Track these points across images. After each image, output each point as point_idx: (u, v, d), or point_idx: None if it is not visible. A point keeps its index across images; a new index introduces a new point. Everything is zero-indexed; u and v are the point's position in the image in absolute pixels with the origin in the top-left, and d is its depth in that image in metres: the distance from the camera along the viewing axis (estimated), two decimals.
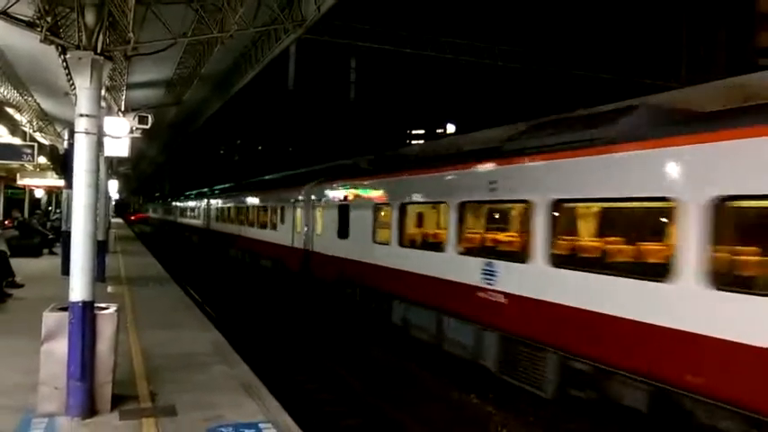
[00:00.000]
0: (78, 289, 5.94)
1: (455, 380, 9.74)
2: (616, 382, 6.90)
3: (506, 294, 8.55)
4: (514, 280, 8.42)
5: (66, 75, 10.46)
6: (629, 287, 6.69)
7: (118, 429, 5.80)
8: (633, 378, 6.62)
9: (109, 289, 14.45)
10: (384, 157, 14.92)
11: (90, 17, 5.98)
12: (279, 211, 20.09)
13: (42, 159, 21.62)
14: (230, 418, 6.11)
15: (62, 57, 7.98)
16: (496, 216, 9.87)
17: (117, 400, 6.31)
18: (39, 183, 30.17)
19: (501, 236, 9.56)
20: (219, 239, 30.15)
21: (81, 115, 6.00)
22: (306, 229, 17.03)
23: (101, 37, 6.01)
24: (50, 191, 35.65)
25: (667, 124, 6.82)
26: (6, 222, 25.10)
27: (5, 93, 15.20)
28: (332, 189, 15.56)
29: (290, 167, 26.17)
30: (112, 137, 12.22)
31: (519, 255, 8.48)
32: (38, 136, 21.24)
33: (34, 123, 19.87)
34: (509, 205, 9.29)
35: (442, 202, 10.64)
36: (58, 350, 5.97)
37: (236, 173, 58.36)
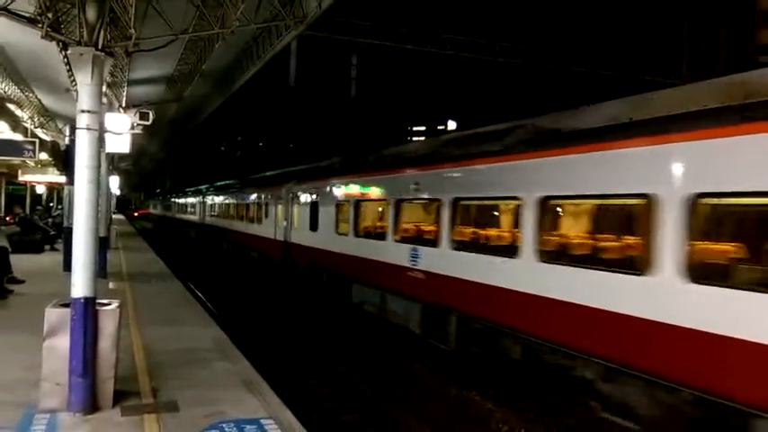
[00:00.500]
0: (80, 285, 5.95)
1: (455, 377, 9.76)
2: (498, 336, 8.98)
3: (424, 272, 10.71)
4: (430, 260, 10.62)
5: (68, 71, 10.46)
6: (497, 262, 8.88)
7: (120, 425, 5.82)
8: (512, 333, 8.65)
9: (110, 285, 14.47)
10: (347, 161, 16.86)
11: (91, 13, 5.98)
12: (264, 207, 21.97)
13: (44, 155, 21.62)
14: (232, 414, 6.12)
15: (63, 53, 7.97)
16: (419, 211, 12.01)
17: (119, 396, 6.33)
18: (40, 179, 30.20)
19: (422, 226, 11.75)
20: (213, 234, 31.85)
21: (82, 111, 6.00)
22: (285, 223, 18.84)
23: (102, 33, 6.01)
24: (52, 187, 35.67)
25: (526, 142, 8.75)
26: (8, 218, 25.09)
27: (6, 89, 15.22)
28: (305, 188, 17.48)
29: (291, 164, 26.65)
30: (113, 133, 12.22)
31: (433, 241, 10.66)
32: (39, 132, 21.26)
33: (35, 119, 19.89)
34: (427, 202, 11.36)
35: (384, 200, 12.65)
36: (60, 346, 5.98)
37: (237, 169, 58.36)
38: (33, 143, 17.18)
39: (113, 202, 43.75)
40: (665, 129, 6.49)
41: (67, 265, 6.33)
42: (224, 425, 5.86)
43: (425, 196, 11.17)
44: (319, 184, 16.33)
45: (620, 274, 6.83)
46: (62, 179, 22.28)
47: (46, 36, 6.17)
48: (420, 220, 11.95)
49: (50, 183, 31.65)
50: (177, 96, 17.51)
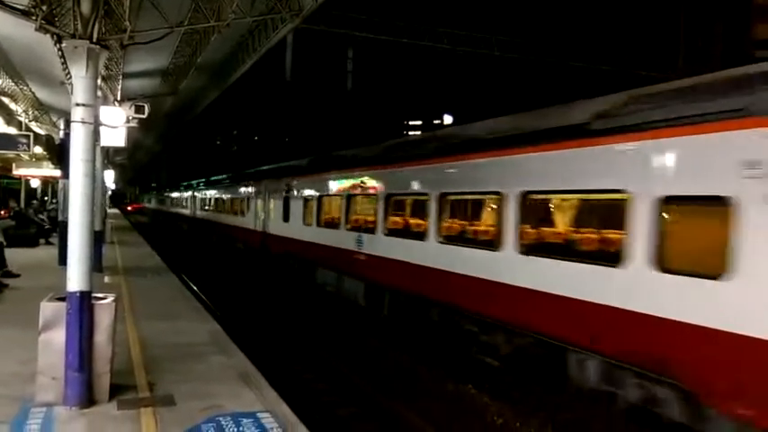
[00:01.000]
0: (76, 279, 5.93)
1: (451, 372, 9.79)
2: (418, 304, 11.25)
3: (366, 254, 12.92)
4: (370, 245, 12.83)
5: (62, 64, 10.41)
6: (414, 244, 11.24)
7: (116, 419, 5.81)
8: (430, 301, 10.82)
9: (106, 279, 14.44)
10: (311, 161, 18.86)
11: (85, 6, 5.93)
12: (246, 201, 24.24)
13: (38, 149, 21.49)
14: (228, 408, 6.13)
15: (57, 46, 7.93)
16: (363, 204, 14.05)
17: (115, 390, 6.33)
18: (35, 173, 30.05)
19: (365, 217, 13.75)
20: (203, 226, 34.12)
21: (77, 104, 5.97)
22: (263, 215, 21.16)
23: (96, 26, 5.97)
24: (46, 181, 35.53)
25: (434, 151, 11.12)
26: (2, 212, 25.01)
27: (0, 82, 15.10)
28: (279, 184, 19.79)
29: (285, 158, 27.15)
30: (109, 126, 12.15)
31: (372, 229, 12.86)
32: (33, 126, 21.15)
33: (30, 113, 19.77)
34: (369, 197, 13.45)
35: (339, 195, 14.83)
36: (55, 340, 5.97)
37: (232, 163, 58.25)
38: (28, 137, 17.06)
39: (108, 196, 43.67)
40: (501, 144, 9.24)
41: (63, 259, 6.32)
42: (220, 418, 5.86)
43: (367, 192, 13.48)
44: (289, 182, 18.76)
45: (482, 250, 9.45)
46: (57, 173, 22.22)
47: (40, 29, 6.12)
48: (364, 212, 13.95)
49: (45, 176, 31.51)
50: (172, 90, 17.43)
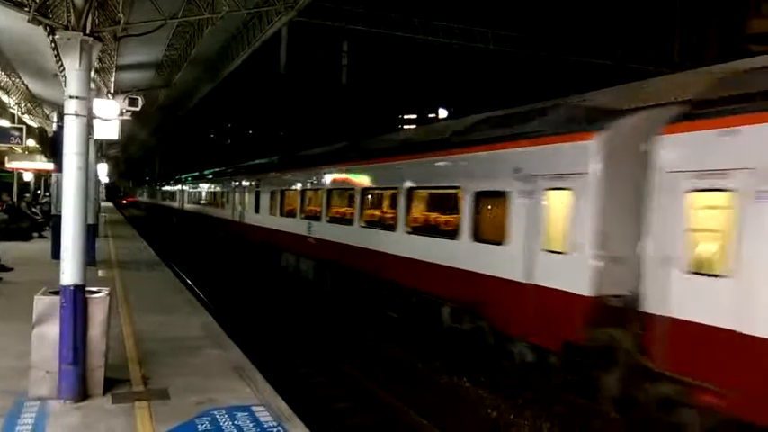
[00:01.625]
0: (69, 273, 5.91)
1: (446, 365, 9.83)
2: (350, 275, 13.99)
3: (315, 239, 16.02)
4: (317, 230, 15.96)
5: (55, 56, 10.29)
6: (346, 229, 14.18)
7: (110, 413, 5.80)
8: (357, 272, 13.54)
9: (100, 273, 14.40)
10: (279, 159, 22.48)
11: None
12: (225, 195, 27.58)
13: (31, 142, 21.36)
14: (223, 402, 6.13)
15: (51, 38, 7.83)
16: (312, 196, 17.09)
17: (109, 384, 6.32)
18: (27, 166, 29.80)
19: (313, 207, 16.81)
20: (190, 218, 37.00)
21: (70, 97, 5.93)
22: (240, 207, 24.13)
23: (90, 17, 5.92)
24: (39, 174, 35.30)
25: (356, 155, 14.92)
26: None
27: None
28: (252, 179, 23.03)
29: (277, 152, 28.59)
30: (102, 119, 12.08)
31: (318, 217, 16.00)
32: (26, 118, 20.98)
33: (22, 106, 19.61)
34: (316, 191, 16.69)
35: (295, 189, 18.07)
36: (49, 334, 5.95)
37: (226, 157, 58.08)
38: (20, 129, 16.97)
39: (102, 189, 43.55)
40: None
41: (56, 253, 6.30)
42: (215, 412, 5.86)
43: (315, 187, 16.65)
44: (259, 177, 22.13)
45: (388, 232, 12.24)
46: (50, 166, 22.05)
47: (33, 20, 6.07)
48: (313, 203, 16.96)
49: (38, 170, 31.29)
50: (166, 83, 17.32)
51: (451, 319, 10.21)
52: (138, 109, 11.51)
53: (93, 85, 10.89)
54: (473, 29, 29.36)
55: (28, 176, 36.50)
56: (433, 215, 11.55)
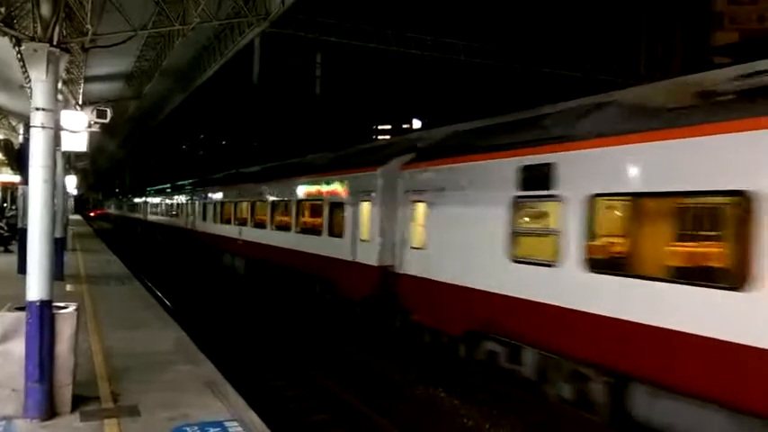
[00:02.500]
0: (35, 288, 5.78)
1: (422, 375, 9.83)
2: (267, 268, 18.28)
3: (243, 240, 20.16)
4: (246, 234, 19.93)
5: (21, 67, 10.14)
6: (265, 232, 18.36)
7: (78, 431, 5.68)
8: (275, 265, 17.60)
9: (68, 287, 14.09)
10: (225, 176, 26.80)
11: (45, 8, 5.80)
12: (179, 206, 31.71)
13: None
14: (195, 417, 6.03)
15: (16, 49, 7.71)
16: (242, 207, 20.99)
17: (78, 401, 6.18)
18: None
19: (244, 216, 20.56)
20: (152, 228, 40.70)
21: (36, 109, 5.83)
22: (192, 217, 28.27)
23: (57, 28, 5.84)
24: (5, 187, 34.52)
25: (267, 175, 19.67)
26: None
27: None
28: (202, 192, 27.41)
29: (253, 163, 29.15)
30: (70, 131, 11.87)
31: (245, 223, 20.27)
32: None
33: None
34: (244, 202, 20.59)
35: (230, 201, 22.34)
36: (15, 351, 5.80)
37: (199, 168, 57.56)
38: None
39: (70, 202, 42.78)
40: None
41: (22, 268, 6.15)
42: (187, 428, 5.77)
43: (243, 199, 20.68)
44: (207, 190, 26.53)
45: (319, 236, 14.81)
46: (17, 179, 21.58)
47: None
48: (243, 212, 20.76)
49: (4, 182, 30.62)
50: (137, 93, 17.15)
51: (323, 292, 14.57)
52: (106, 121, 11.35)
53: (60, 97, 10.74)
54: (445, 40, 29.68)
55: None
56: (309, 219, 15.84)
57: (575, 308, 7.08)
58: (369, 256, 11.95)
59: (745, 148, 5.56)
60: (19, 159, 17.52)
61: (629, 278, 6.46)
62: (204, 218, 25.85)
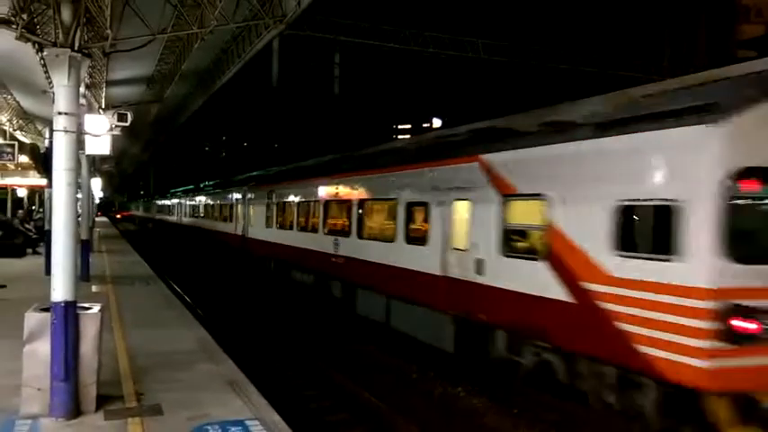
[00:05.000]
0: (60, 289, 5.88)
1: (441, 374, 9.80)
2: (286, 265, 18.12)
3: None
4: (254, 231, 21.35)
5: (44, 72, 10.32)
6: (278, 232, 18.91)
7: (103, 429, 5.77)
8: (288, 262, 17.71)
9: (93, 288, 14.33)
10: (219, 181, 31.14)
11: (66, 14, 5.90)
12: (228, 207, 31.90)
13: (24, 158, 21.33)
14: (217, 416, 6.09)
15: (39, 54, 7.86)
16: (241, 207, 23.67)
17: (102, 401, 6.28)
18: (21, 182, 29.84)
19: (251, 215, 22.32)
20: (165, 226, 44.75)
21: (59, 113, 5.93)
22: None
23: (78, 34, 5.94)
24: (33, 190, 35.19)
25: (295, 176, 19.03)
26: None
27: None
28: (194, 195, 34.74)
29: (274, 164, 30.04)
30: (92, 135, 12.06)
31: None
32: (19, 135, 20.97)
33: (14, 122, 19.61)
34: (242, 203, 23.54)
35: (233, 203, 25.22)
36: (40, 351, 5.92)
37: (221, 170, 58.13)
38: (13, 146, 16.95)
39: (95, 204, 43.52)
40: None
41: (49, 269, 6.25)
42: (209, 427, 5.83)
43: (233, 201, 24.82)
44: (201, 193, 32.78)
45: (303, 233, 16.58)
46: (43, 182, 22.00)
47: (21, 37, 6.09)
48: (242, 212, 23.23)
49: (31, 186, 31.25)
50: (158, 97, 17.36)
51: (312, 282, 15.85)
52: (127, 124, 11.49)
53: (83, 101, 10.93)
54: (463, 39, 29.55)
55: (21, 192, 36.38)
56: (305, 219, 16.66)
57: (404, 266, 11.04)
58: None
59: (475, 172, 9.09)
60: (44, 163, 17.87)
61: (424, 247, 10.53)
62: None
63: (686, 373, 5.94)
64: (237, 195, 24.46)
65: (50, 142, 16.10)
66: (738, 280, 5.85)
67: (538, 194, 7.83)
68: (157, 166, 79.34)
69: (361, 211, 13.05)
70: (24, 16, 6.11)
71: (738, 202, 5.91)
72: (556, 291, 7.47)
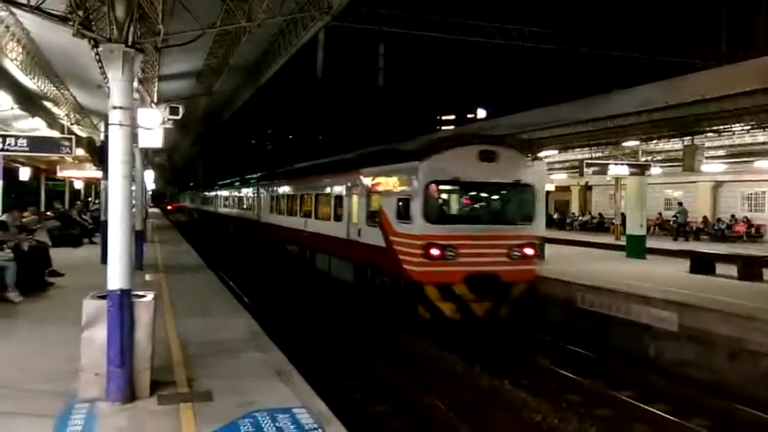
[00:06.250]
0: (116, 277, 6.05)
1: (487, 365, 9.72)
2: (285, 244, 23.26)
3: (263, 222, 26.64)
4: (265, 216, 26.82)
5: (99, 68, 10.67)
6: (289, 220, 22.94)
7: (156, 414, 5.93)
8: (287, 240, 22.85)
9: (147, 277, 14.73)
10: (269, 173, 31.28)
11: (120, 10, 6.04)
12: (246, 200, 35.21)
13: (80, 151, 22.06)
14: (265, 404, 6.18)
15: (95, 50, 8.13)
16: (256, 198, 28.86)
17: (155, 386, 6.44)
18: (78, 174, 30.96)
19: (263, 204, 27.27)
20: (222, 220, 44.42)
21: (114, 107, 6.08)
22: (258, 207, 30.62)
23: (131, 29, 6.08)
24: (89, 182, 36.50)
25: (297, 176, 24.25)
26: (48, 213, 25.80)
27: (43, 87, 15.57)
28: (227, 189, 40.58)
29: (318, 156, 31.80)
30: (145, 128, 12.39)
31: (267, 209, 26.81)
32: (75, 128, 21.73)
33: (71, 116, 20.33)
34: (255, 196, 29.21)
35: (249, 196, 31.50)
36: (97, 337, 6.10)
37: (267, 162, 59.04)
38: (70, 139, 17.45)
39: (149, 195, 44.87)
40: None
41: (105, 258, 6.44)
42: (257, 414, 5.92)
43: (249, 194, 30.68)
44: (236, 187, 36.71)
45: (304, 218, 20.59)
46: (99, 174, 22.77)
47: (77, 34, 6.27)
48: (257, 203, 27.93)
49: (88, 178, 32.40)
50: (207, 90, 17.70)
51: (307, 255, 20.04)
52: (178, 117, 11.76)
53: (136, 95, 11.23)
54: (509, 27, 29.03)
55: (78, 184, 37.84)
56: (289, 206, 21.90)
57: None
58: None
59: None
60: (100, 155, 18.48)
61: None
62: (270, 210, 26.13)
63: (414, 274, 12.36)
64: (252, 189, 31.06)
65: (106, 136, 16.64)
66: (431, 231, 12.24)
67: (377, 192, 14.29)
68: (206, 159, 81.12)
69: (315, 200, 19.42)
70: (80, 13, 6.29)
71: (430, 195, 12.52)
72: (382, 242, 13.55)
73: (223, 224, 40.32)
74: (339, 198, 16.76)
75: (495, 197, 13.57)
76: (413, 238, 12.27)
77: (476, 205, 13.64)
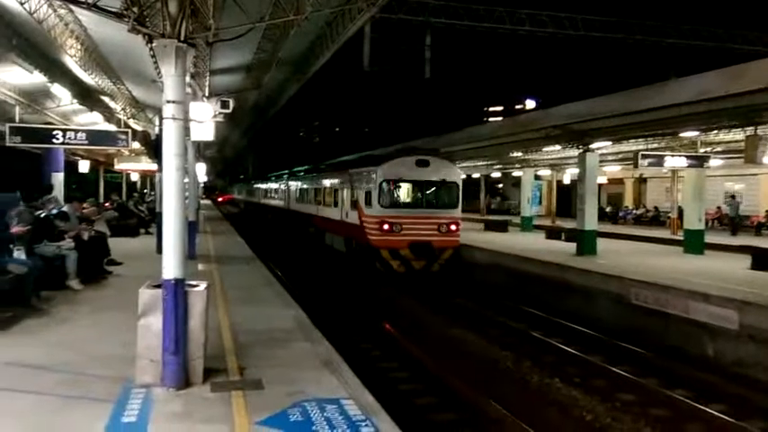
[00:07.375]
0: (170, 267, 6.20)
1: (537, 362, 9.57)
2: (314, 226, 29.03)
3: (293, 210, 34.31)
4: (296, 205, 33.27)
5: (153, 63, 10.94)
6: (316, 207, 28.65)
7: (209, 400, 6.07)
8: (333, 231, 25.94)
9: (200, 267, 15.07)
10: (292, 171, 39.00)
11: (173, 6, 6.17)
12: (279, 191, 40.64)
13: (136, 144, 22.78)
14: (313, 394, 6.24)
15: (149, 45, 8.32)
16: (286, 191, 36.72)
17: (208, 373, 6.58)
18: (134, 167, 31.98)
19: (292, 196, 34.64)
20: (269, 210, 48.26)
21: (168, 102, 6.21)
22: (288, 198, 36.43)
23: (184, 25, 6.19)
24: (145, 174, 37.67)
25: (317, 174, 31.52)
26: (106, 204, 26.77)
27: (100, 82, 16.10)
28: (267, 183, 47.96)
29: (366, 148, 37.00)
30: (197, 122, 12.66)
31: (295, 200, 33.85)
32: (131, 122, 22.43)
33: (127, 111, 20.97)
34: (286, 188, 36.96)
35: (279, 189, 39.71)
36: (153, 325, 6.28)
37: (314, 155, 59.61)
38: (126, 133, 18.01)
39: (201, 187, 46.04)
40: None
41: (160, 248, 6.61)
42: (306, 404, 5.99)
43: (283, 187, 38.09)
44: (292, 178, 37.44)
45: (330, 208, 25.25)
46: (154, 167, 23.47)
47: (132, 30, 6.42)
48: (291, 194, 33.85)
49: (143, 170, 33.44)
50: (256, 84, 17.95)
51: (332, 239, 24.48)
52: (229, 111, 11.97)
53: (189, 90, 11.47)
54: (561, 15, 28.32)
55: (135, 176, 39.13)
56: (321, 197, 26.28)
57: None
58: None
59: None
60: (155, 149, 19.02)
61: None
62: (290, 199, 36.37)
63: (374, 242, 18.82)
64: (284, 183, 37.68)
65: (160, 129, 17.12)
66: (385, 213, 18.85)
67: (356, 186, 20.52)
68: (255, 151, 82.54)
69: (323, 192, 25.97)
70: (135, 9, 6.44)
71: (384, 189, 19.24)
72: (358, 221, 19.77)
73: (263, 213, 46.64)
74: (336, 190, 23.55)
75: (429, 191, 19.72)
76: (373, 218, 18.86)
77: (416, 195, 19.70)
